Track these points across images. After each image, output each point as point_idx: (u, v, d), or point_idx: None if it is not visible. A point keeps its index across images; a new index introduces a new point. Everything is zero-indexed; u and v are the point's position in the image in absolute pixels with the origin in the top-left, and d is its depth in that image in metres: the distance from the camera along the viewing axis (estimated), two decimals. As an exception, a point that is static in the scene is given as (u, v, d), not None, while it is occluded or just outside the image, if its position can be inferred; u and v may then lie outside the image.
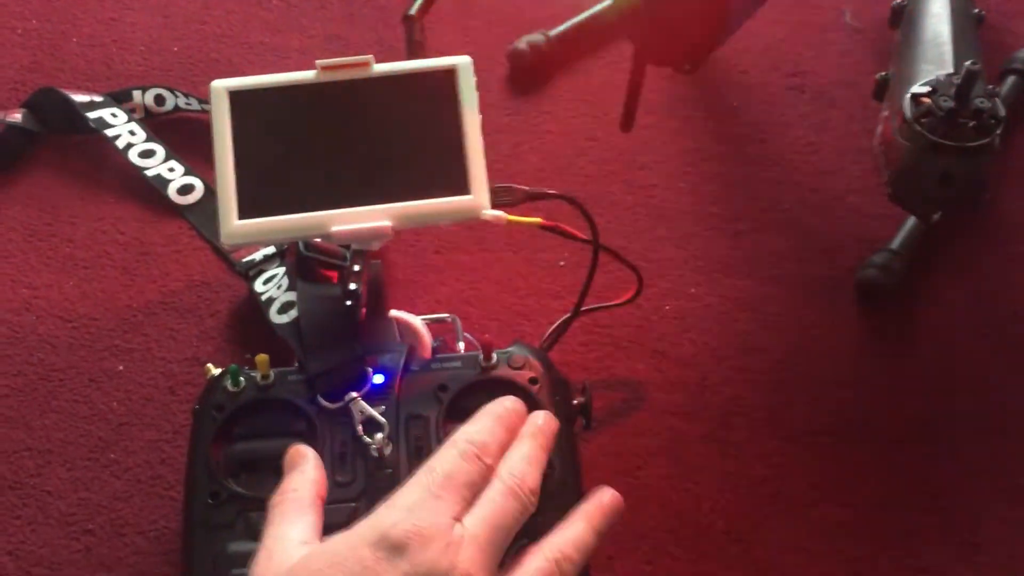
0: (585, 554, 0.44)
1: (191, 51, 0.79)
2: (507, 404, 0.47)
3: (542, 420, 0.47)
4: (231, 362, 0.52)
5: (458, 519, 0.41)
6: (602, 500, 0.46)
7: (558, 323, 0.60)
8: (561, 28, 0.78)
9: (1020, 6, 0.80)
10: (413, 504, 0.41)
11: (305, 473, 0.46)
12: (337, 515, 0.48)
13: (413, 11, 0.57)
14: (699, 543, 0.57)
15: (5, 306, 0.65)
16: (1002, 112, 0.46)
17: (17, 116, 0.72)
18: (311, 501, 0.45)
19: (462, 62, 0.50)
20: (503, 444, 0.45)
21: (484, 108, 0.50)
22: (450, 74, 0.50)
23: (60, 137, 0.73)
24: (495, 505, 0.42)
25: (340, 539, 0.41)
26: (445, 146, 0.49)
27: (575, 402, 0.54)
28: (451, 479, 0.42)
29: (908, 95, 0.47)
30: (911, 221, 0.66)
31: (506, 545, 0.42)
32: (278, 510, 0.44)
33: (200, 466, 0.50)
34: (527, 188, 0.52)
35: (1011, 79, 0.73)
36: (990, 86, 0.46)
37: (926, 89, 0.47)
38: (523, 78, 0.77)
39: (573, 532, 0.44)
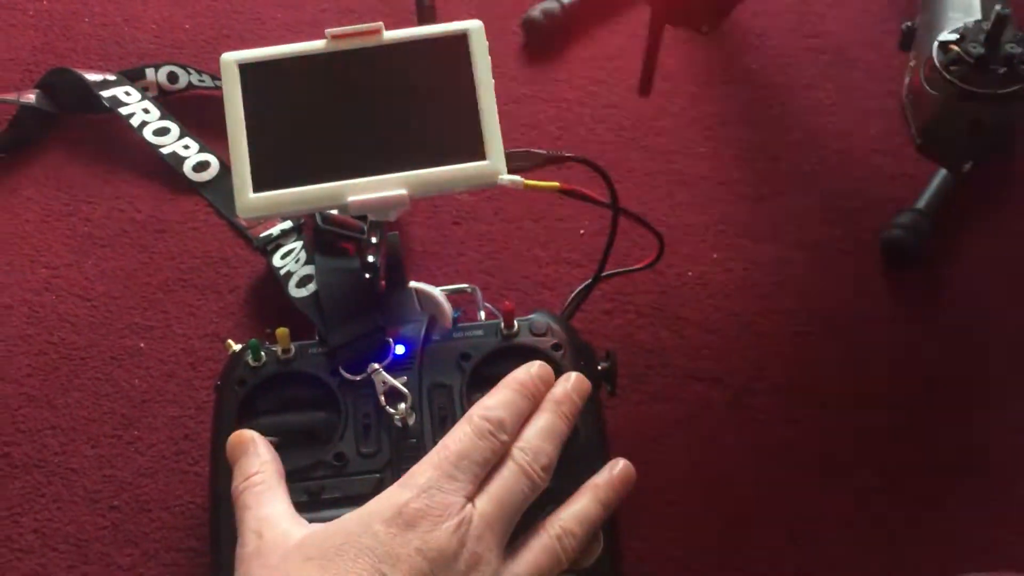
0: (589, 527, 0.44)
1: (202, 28, 0.79)
2: (532, 371, 0.46)
3: (572, 384, 0.47)
4: (251, 337, 0.52)
5: (470, 498, 0.42)
6: (612, 473, 0.46)
7: (579, 289, 0.59)
8: (575, -6, 0.77)
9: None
10: (426, 483, 0.41)
11: (260, 455, 0.46)
12: (363, 486, 0.48)
13: (424, -24, 0.56)
14: (727, 511, 0.57)
15: (25, 286, 0.65)
16: (1035, 58, 0.45)
17: (31, 97, 0.72)
18: (277, 481, 0.45)
19: (473, 26, 0.49)
20: (523, 415, 0.45)
21: (500, 78, 0.49)
22: (462, 39, 0.49)
23: (74, 117, 0.73)
24: (506, 484, 0.43)
25: (353, 516, 0.41)
26: (459, 112, 0.49)
27: (599, 367, 0.54)
28: (464, 458, 0.42)
29: (936, 43, 0.46)
30: (937, 180, 0.65)
31: (515, 520, 0.43)
32: (249, 493, 0.44)
33: (225, 440, 0.50)
34: (544, 151, 0.52)
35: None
36: (1020, 32, 0.45)
37: (954, 36, 0.46)
38: (538, 47, 0.76)
39: (579, 506, 0.45)
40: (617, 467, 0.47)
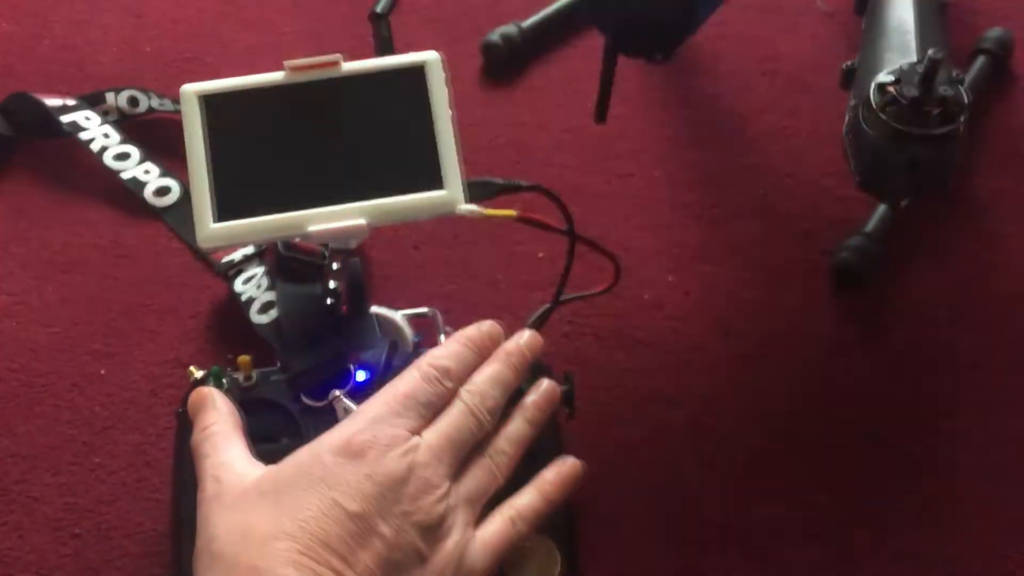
0: (536, 520, 0.47)
1: (164, 51, 0.79)
2: (483, 327, 0.49)
3: (524, 340, 0.49)
4: (213, 363, 0.53)
5: (416, 432, 0.44)
6: (560, 470, 0.48)
7: (538, 313, 0.60)
8: (534, 19, 0.79)
9: (989, -15, 0.81)
10: (374, 417, 0.44)
11: (217, 408, 0.48)
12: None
13: (379, 8, 0.57)
14: (684, 529, 0.58)
15: (-16, 313, 0.65)
16: (966, 99, 0.47)
17: (-10, 122, 0.72)
18: (233, 429, 0.47)
19: (430, 58, 0.50)
20: (469, 366, 0.47)
21: (459, 101, 0.50)
22: (419, 70, 0.50)
23: (34, 142, 0.73)
24: (452, 420, 0.45)
25: (304, 450, 0.44)
26: (418, 142, 0.50)
27: (558, 390, 0.55)
28: (410, 397, 0.45)
29: (874, 84, 0.48)
30: (884, 205, 0.66)
31: (461, 457, 0.45)
32: (207, 444, 0.46)
33: (186, 467, 0.50)
34: (501, 181, 0.53)
35: (981, 59, 0.74)
36: (955, 72, 0.47)
37: (891, 78, 0.48)
38: (497, 70, 0.78)
39: (526, 500, 0.47)
40: (565, 465, 0.49)
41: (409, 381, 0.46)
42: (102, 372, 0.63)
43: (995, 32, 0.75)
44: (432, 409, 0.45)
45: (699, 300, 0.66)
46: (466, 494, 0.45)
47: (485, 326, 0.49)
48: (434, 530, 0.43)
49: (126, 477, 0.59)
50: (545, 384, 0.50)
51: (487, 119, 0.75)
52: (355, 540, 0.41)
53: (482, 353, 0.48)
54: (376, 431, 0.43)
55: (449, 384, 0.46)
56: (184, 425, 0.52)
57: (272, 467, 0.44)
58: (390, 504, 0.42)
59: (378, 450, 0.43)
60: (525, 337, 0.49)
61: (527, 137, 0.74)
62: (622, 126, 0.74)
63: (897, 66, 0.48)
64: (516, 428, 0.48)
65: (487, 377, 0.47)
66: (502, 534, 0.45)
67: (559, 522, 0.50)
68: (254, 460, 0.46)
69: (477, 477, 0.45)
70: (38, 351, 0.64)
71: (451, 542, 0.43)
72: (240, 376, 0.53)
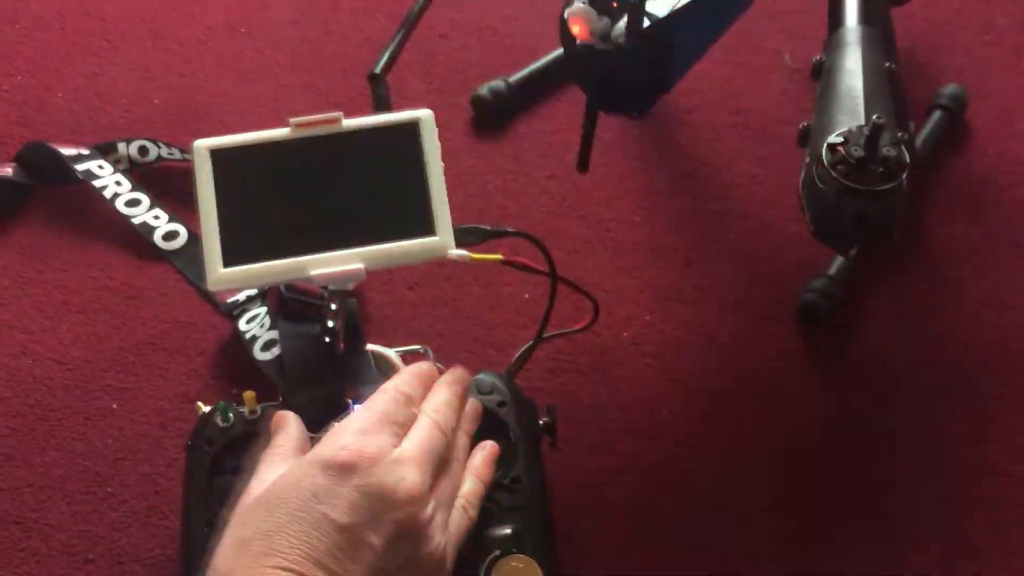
0: (479, 502, 0.51)
1: (171, 103, 0.83)
2: (423, 367, 0.54)
3: (458, 372, 0.54)
4: (219, 398, 0.56)
5: (395, 447, 0.47)
6: (483, 455, 0.53)
7: (522, 350, 0.64)
8: (520, 74, 0.83)
9: (946, 41, 0.86)
10: (357, 432, 0.47)
11: (288, 432, 0.51)
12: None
13: (378, 70, 0.62)
14: (660, 552, 0.62)
15: (1, 351, 0.69)
16: (907, 159, 0.52)
17: (8, 170, 0.76)
18: (292, 453, 0.50)
19: (424, 115, 0.55)
20: (422, 396, 0.52)
21: (450, 151, 0.54)
22: (414, 126, 0.54)
23: (50, 189, 0.77)
24: (423, 433, 0.49)
25: (295, 464, 0.47)
26: (411, 192, 0.54)
27: (541, 422, 0.59)
28: (386, 416, 0.49)
29: (825, 144, 0.53)
30: (840, 251, 0.71)
31: (436, 467, 0.48)
32: (265, 461, 0.49)
33: (196, 497, 0.54)
34: (488, 227, 0.56)
35: (937, 114, 0.79)
36: (900, 133, 0.52)
37: (840, 139, 0.53)
38: (486, 122, 0.82)
39: (469, 487, 0.51)
40: (486, 448, 0.54)
41: (383, 403, 0.49)
42: (114, 407, 0.66)
43: (950, 88, 0.80)
44: (404, 428, 0.49)
45: (674, 338, 0.70)
46: (441, 499, 0.48)
47: (425, 366, 0.54)
48: (420, 535, 0.46)
49: (136, 505, 0.63)
50: (458, 371, 0.54)
51: (476, 168, 0.79)
52: (344, 553, 0.43)
53: (427, 385, 0.53)
54: (362, 444, 0.46)
55: (414, 409, 0.50)
56: (193, 457, 0.55)
57: (275, 479, 0.47)
58: (379, 514, 0.44)
59: (366, 462, 0.45)
60: (458, 371, 0.54)
61: (513, 184, 0.79)
62: (602, 175, 0.79)
63: (846, 128, 0.53)
64: (464, 444, 0.52)
65: (443, 399, 0.51)
66: (461, 523, 0.49)
67: (542, 544, 0.54)
68: None
69: (446, 485, 0.49)
70: (53, 387, 0.67)
71: (434, 544, 0.46)
72: (245, 410, 0.57)
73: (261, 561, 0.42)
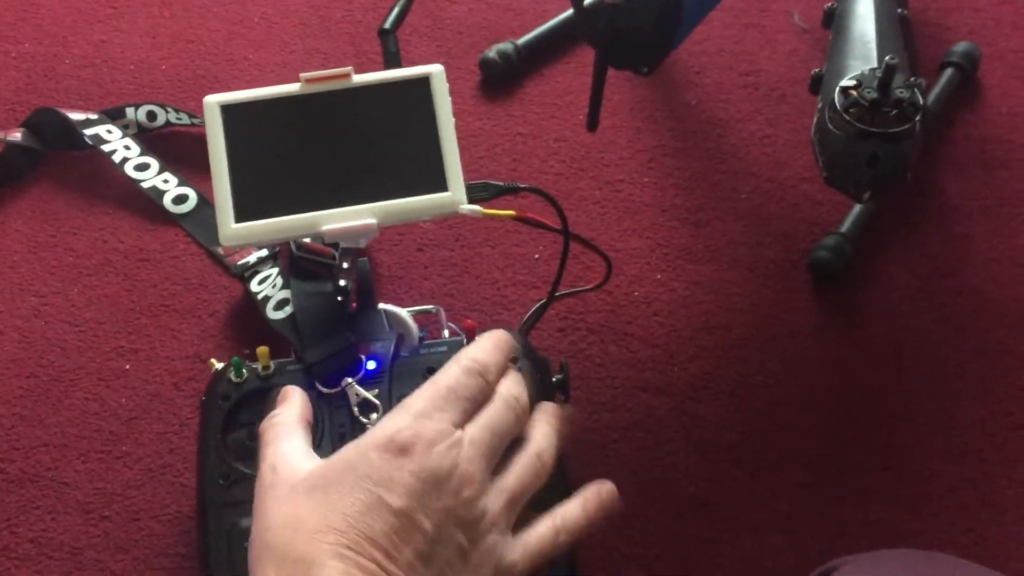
0: (577, 535, 0.48)
1: (178, 68, 0.83)
2: (500, 334, 0.51)
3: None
4: (230, 357, 0.57)
5: (459, 426, 0.45)
6: (600, 490, 0.49)
7: (534, 308, 0.64)
8: (528, 36, 0.83)
9: (956, 2, 0.86)
10: (418, 412, 0.45)
11: (290, 403, 0.50)
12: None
13: (387, 25, 0.61)
14: (672, 506, 0.62)
15: (15, 313, 0.69)
16: (921, 101, 0.51)
17: (17, 135, 0.76)
18: (298, 422, 0.49)
19: (435, 70, 0.55)
20: (500, 367, 0.49)
21: (459, 114, 0.54)
22: (424, 81, 0.54)
23: (59, 154, 0.77)
24: (493, 415, 0.46)
25: (351, 447, 0.45)
26: (423, 147, 0.54)
27: (554, 379, 0.59)
28: (453, 391, 0.46)
29: (837, 88, 0.52)
30: (858, 206, 0.71)
31: (501, 450, 0.46)
32: (271, 433, 0.48)
33: (210, 451, 0.54)
34: (500, 183, 0.57)
35: (948, 71, 0.79)
36: (913, 78, 0.52)
37: (853, 82, 0.52)
38: (494, 84, 0.82)
39: (572, 512, 0.48)
40: (605, 489, 0.50)
41: (452, 375, 0.46)
42: (127, 367, 0.67)
43: (962, 46, 0.80)
44: (474, 404, 0.46)
45: (685, 296, 0.71)
46: (509, 492, 0.45)
47: (503, 331, 0.51)
48: (475, 525, 0.44)
49: (151, 463, 0.63)
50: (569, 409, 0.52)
51: (485, 130, 0.79)
52: (398, 535, 0.42)
53: (506, 355, 0.49)
54: (420, 427, 0.44)
55: (491, 378, 0.47)
56: (207, 412, 0.56)
57: (323, 462, 0.45)
58: (433, 499, 0.43)
59: (423, 446, 0.43)
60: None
61: (522, 147, 0.79)
62: (611, 135, 0.79)
63: (859, 72, 0.52)
64: (552, 436, 0.49)
65: (517, 380, 0.49)
66: (545, 541, 0.46)
67: (559, 501, 0.54)
68: (312, 453, 0.47)
69: (520, 475, 0.46)
70: (66, 349, 0.68)
71: (491, 539, 0.44)
72: (259, 366, 0.57)
73: (318, 538, 0.41)
